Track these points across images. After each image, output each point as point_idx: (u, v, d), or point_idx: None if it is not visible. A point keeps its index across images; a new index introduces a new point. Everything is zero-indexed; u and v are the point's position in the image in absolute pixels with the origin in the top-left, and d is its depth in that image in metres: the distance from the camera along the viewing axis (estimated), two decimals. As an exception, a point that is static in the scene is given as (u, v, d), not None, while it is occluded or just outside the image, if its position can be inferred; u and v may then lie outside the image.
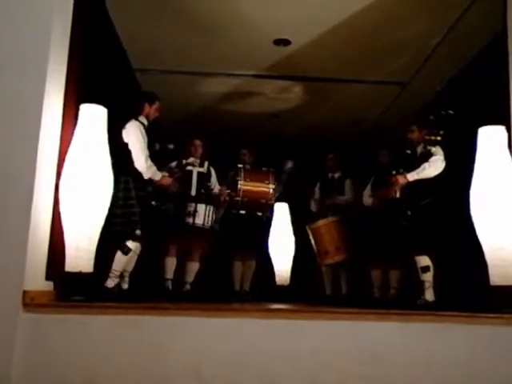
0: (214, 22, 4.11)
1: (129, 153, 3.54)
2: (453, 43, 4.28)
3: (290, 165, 4.95)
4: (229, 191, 4.48)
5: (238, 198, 4.44)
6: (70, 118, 2.84)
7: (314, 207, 5.13)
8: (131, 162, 3.54)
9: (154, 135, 3.81)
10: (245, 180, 4.47)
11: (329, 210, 4.86)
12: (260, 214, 4.63)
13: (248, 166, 4.68)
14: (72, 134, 2.79)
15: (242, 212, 4.55)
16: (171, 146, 4.13)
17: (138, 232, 3.47)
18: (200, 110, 5.82)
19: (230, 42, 4.39)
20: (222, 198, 4.50)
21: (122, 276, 3.61)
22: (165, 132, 4.24)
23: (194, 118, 5.91)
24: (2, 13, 2.63)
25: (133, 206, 3.48)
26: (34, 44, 2.61)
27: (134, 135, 3.57)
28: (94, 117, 2.83)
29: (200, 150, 4.54)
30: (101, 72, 3.65)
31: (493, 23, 3.56)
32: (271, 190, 4.52)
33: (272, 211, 5.18)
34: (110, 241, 3.02)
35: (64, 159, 2.72)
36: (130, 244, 3.48)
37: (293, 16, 4.00)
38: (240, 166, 4.61)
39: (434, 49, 4.43)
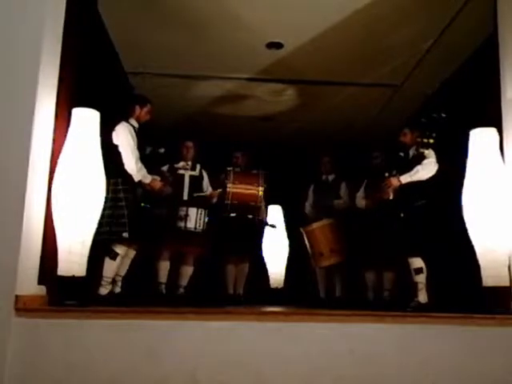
0: (207, 25, 4.11)
1: (119, 155, 3.52)
2: (444, 46, 4.32)
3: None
4: (220, 190, 4.47)
5: (227, 202, 4.44)
6: (62, 121, 2.82)
7: (308, 210, 5.14)
8: (121, 164, 3.52)
9: (145, 139, 3.80)
10: (233, 183, 4.47)
11: (323, 212, 4.86)
12: (250, 216, 4.62)
13: (238, 169, 4.68)
14: (64, 137, 2.77)
15: (233, 215, 4.55)
16: (162, 150, 4.12)
17: (124, 234, 3.43)
18: (193, 113, 5.82)
19: (223, 45, 4.40)
20: (213, 200, 4.50)
21: (114, 281, 3.59)
22: (157, 135, 4.23)
23: (187, 122, 5.91)
24: (-7, 16, 2.62)
25: (121, 208, 3.45)
26: (26, 48, 2.60)
27: (123, 137, 3.56)
28: (86, 120, 2.81)
29: (192, 152, 4.53)
30: (93, 75, 3.65)
31: (484, 26, 3.59)
32: (260, 193, 4.52)
33: (265, 213, 5.18)
34: (98, 243, 3.00)
35: (56, 163, 2.71)
36: (117, 248, 3.45)
37: (285, 19, 4.01)
38: (229, 168, 4.61)
39: (426, 52, 4.46)
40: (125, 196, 3.48)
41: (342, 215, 4.75)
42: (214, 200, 4.51)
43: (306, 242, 4.77)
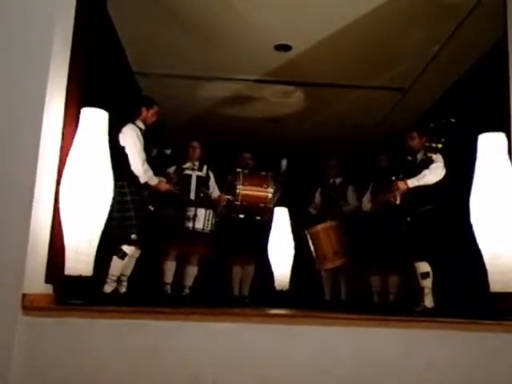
0: (216, 27, 4.13)
1: (125, 156, 3.54)
2: (453, 50, 4.30)
3: (284, 163, 4.85)
4: (229, 197, 4.48)
5: (237, 203, 4.45)
6: (71, 121, 2.84)
7: (313, 211, 5.13)
8: (128, 165, 3.53)
9: (152, 140, 3.80)
10: (243, 184, 4.49)
11: (330, 215, 4.86)
12: (259, 218, 4.63)
13: (246, 171, 4.69)
14: (73, 137, 2.79)
15: (241, 216, 4.56)
16: (168, 152, 4.13)
17: (133, 236, 3.46)
18: (201, 114, 5.83)
19: (232, 46, 4.41)
20: (222, 205, 4.51)
21: (119, 280, 3.60)
22: (165, 136, 4.25)
23: (194, 123, 5.92)
24: (3, 16, 2.64)
25: (128, 210, 3.47)
26: (36, 48, 2.61)
27: (130, 139, 3.57)
28: (94, 120, 2.83)
29: (198, 152, 4.54)
30: (102, 76, 3.66)
31: (492, 30, 3.57)
32: (270, 195, 4.53)
33: (272, 215, 5.18)
34: (106, 245, 3.02)
35: (65, 163, 2.72)
36: (126, 248, 3.47)
37: (294, 22, 4.02)
38: (239, 170, 4.62)
39: (435, 56, 4.45)
40: (132, 199, 3.50)
41: (349, 218, 4.74)
42: (223, 204, 4.52)
43: (311, 244, 4.77)
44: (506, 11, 3.25)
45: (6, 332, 2.33)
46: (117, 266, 3.48)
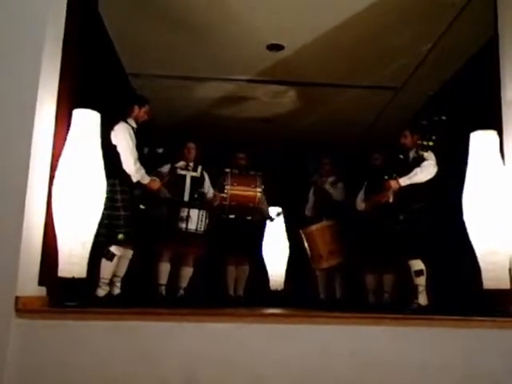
0: (208, 27, 4.12)
1: (117, 155, 3.52)
2: (445, 49, 4.32)
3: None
4: (223, 195, 4.48)
5: (225, 203, 4.45)
6: (63, 122, 2.82)
7: (308, 212, 5.14)
8: (120, 164, 3.52)
9: (144, 139, 3.80)
10: (232, 184, 4.49)
11: (323, 212, 4.86)
12: (249, 218, 4.63)
13: (236, 171, 4.69)
14: (65, 138, 2.78)
15: (231, 216, 4.56)
16: (160, 150, 4.11)
17: (120, 236, 3.42)
18: (193, 114, 5.83)
19: (224, 47, 4.41)
20: (215, 204, 4.50)
21: (111, 282, 3.57)
22: (158, 136, 4.23)
23: (187, 123, 5.92)
24: (-5, 18, 2.62)
25: (118, 209, 3.44)
26: (27, 49, 2.60)
27: (122, 137, 3.56)
28: (87, 122, 2.82)
29: (193, 153, 4.53)
30: (94, 77, 3.65)
31: (484, 29, 3.59)
32: (258, 194, 4.54)
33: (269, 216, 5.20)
34: (97, 244, 3.00)
35: (57, 164, 2.71)
36: (113, 249, 3.45)
37: (286, 21, 4.02)
38: (227, 170, 4.62)
39: (427, 54, 4.46)
40: (122, 197, 3.48)
41: (342, 217, 4.75)
42: (216, 203, 4.51)
43: (306, 244, 4.77)
44: (496, 10, 3.27)
45: (-1, 335, 2.32)
46: (107, 268, 3.45)
